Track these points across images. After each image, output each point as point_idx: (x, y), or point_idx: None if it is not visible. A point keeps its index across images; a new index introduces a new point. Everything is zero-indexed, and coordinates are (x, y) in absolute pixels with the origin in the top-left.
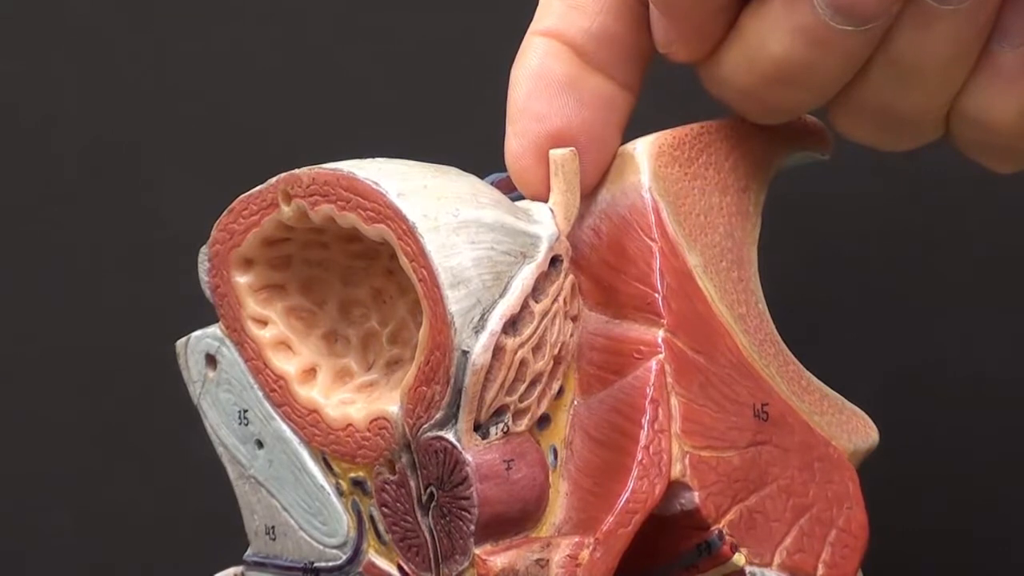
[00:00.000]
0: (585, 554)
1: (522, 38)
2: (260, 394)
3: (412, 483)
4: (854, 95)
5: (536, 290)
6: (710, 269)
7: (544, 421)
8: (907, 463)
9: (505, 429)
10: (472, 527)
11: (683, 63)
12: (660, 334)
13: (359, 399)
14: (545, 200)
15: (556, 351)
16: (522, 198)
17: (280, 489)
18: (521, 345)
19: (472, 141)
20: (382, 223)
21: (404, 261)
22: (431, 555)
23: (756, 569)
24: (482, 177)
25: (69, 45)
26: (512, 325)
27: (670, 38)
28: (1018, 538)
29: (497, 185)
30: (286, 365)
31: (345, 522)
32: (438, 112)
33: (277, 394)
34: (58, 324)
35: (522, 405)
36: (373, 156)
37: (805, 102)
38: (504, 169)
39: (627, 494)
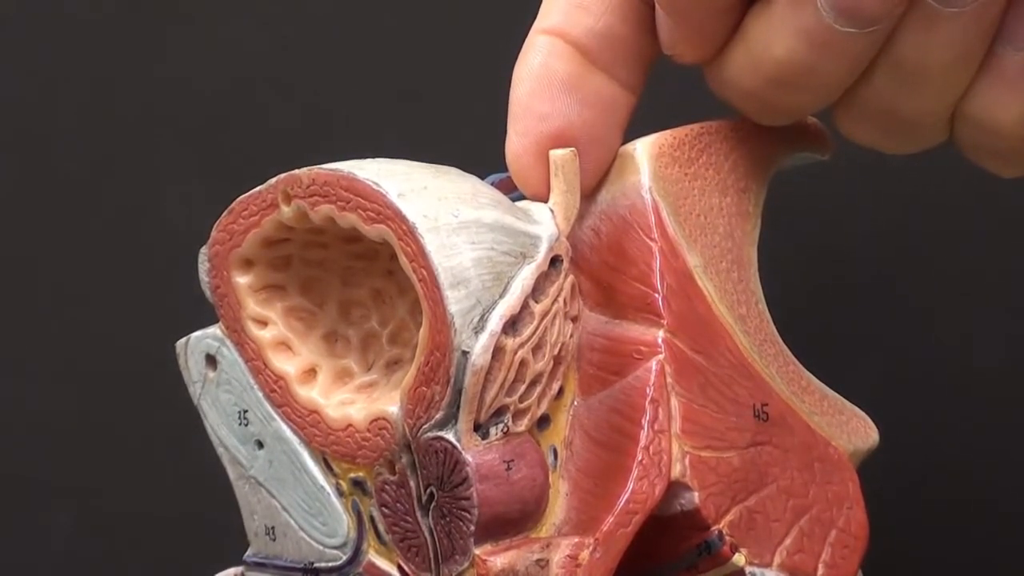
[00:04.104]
0: (585, 554)
1: (524, 36)
2: (260, 394)
3: (412, 483)
4: (858, 98)
5: (536, 290)
6: (710, 269)
7: (544, 421)
8: (907, 463)
9: (505, 429)
10: (472, 527)
11: (688, 64)
12: (660, 334)
13: (359, 399)
14: (545, 200)
15: (556, 351)
16: (523, 198)
17: (280, 489)
18: (521, 345)
19: (472, 141)
20: (382, 223)
21: (404, 261)
22: (431, 555)
23: (756, 569)
24: (483, 177)
25: (69, 44)
26: (512, 325)
27: (675, 39)
28: (1018, 537)
29: (498, 185)
30: (286, 365)
31: (345, 522)
32: (438, 112)
33: (277, 394)
34: (58, 324)
35: (522, 405)
36: (373, 156)
37: (809, 104)
38: (504, 169)
39: (627, 494)
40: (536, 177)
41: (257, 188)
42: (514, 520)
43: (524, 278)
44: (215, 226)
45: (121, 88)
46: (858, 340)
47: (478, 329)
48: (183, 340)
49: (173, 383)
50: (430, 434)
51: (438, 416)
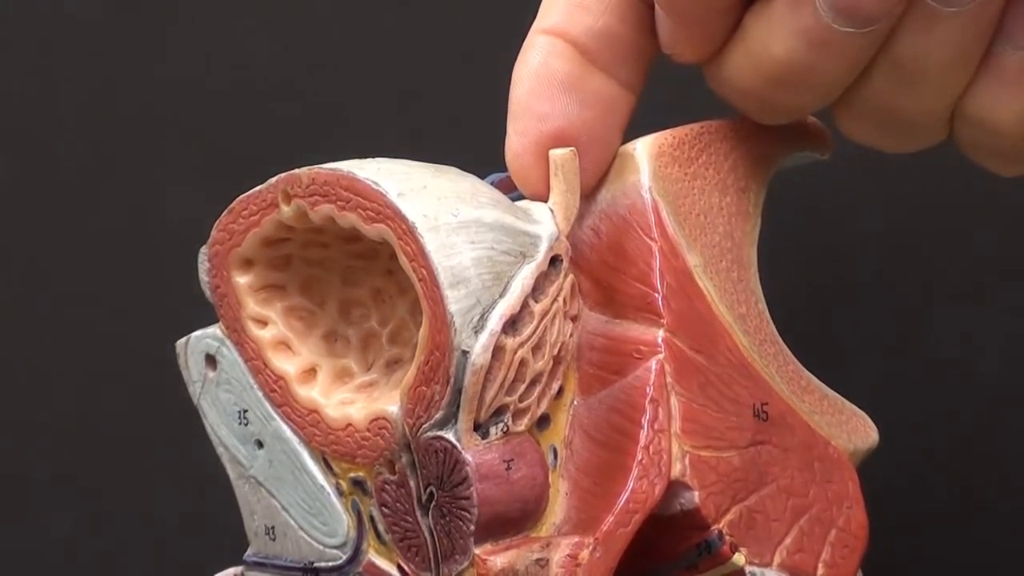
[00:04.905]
0: (585, 554)
1: (524, 36)
2: (260, 394)
3: (412, 483)
4: (857, 97)
5: (536, 290)
6: (710, 269)
7: (544, 421)
8: (907, 463)
9: (505, 429)
10: (472, 527)
11: (687, 64)
12: (660, 334)
13: (359, 399)
14: (545, 199)
15: (556, 351)
16: (522, 198)
17: (280, 489)
18: (521, 345)
19: (472, 141)
20: (382, 223)
21: (404, 261)
22: (431, 555)
23: (756, 569)
24: (483, 177)
25: (69, 44)
26: (512, 325)
27: (674, 39)
28: (1018, 538)
29: (497, 185)
30: (286, 365)
31: (345, 522)
32: (438, 112)
33: (277, 394)
34: (58, 324)
35: (522, 405)
36: (373, 156)
37: (808, 103)
38: (504, 169)
39: (627, 494)
40: (536, 177)
41: (257, 188)
42: (514, 519)
43: (524, 277)
44: (215, 226)
45: (121, 88)
46: (858, 340)
47: (478, 328)
48: (183, 340)
49: (173, 383)
50: (430, 434)
51: (438, 416)
